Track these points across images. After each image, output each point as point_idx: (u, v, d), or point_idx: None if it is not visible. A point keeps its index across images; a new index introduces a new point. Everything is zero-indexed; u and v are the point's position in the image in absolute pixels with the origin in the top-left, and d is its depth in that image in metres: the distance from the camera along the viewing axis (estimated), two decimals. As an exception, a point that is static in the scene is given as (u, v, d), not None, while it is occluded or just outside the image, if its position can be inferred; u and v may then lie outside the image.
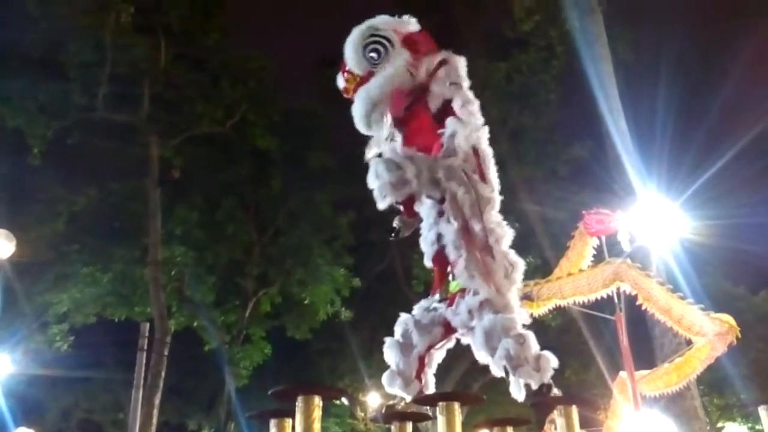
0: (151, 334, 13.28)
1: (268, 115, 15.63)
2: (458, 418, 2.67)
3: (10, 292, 13.95)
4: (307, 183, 16.13)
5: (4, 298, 12.83)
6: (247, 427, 16.33)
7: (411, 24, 3.94)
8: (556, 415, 2.97)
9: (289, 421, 2.88)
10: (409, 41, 3.82)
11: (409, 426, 2.96)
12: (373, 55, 3.77)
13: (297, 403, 2.63)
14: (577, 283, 7.20)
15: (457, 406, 2.69)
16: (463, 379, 15.48)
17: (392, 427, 2.95)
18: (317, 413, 2.60)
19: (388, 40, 3.75)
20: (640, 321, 9.93)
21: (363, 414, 16.45)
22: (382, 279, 17.71)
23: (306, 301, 16.00)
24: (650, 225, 8.08)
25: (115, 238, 15.06)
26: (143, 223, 14.22)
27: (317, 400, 2.63)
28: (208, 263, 15.39)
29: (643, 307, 7.06)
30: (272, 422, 2.95)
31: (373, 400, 16.10)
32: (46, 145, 13.39)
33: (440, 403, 2.73)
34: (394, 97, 3.72)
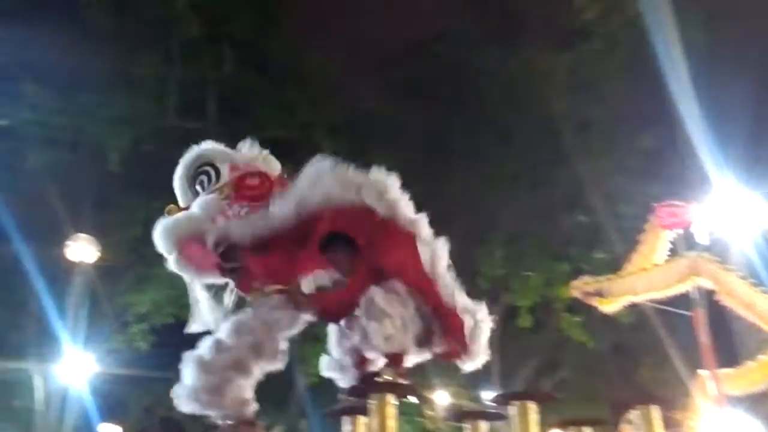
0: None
1: (332, 118, 15.86)
2: (533, 418, 2.64)
3: (94, 295, 14.76)
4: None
5: (89, 300, 13.60)
6: (319, 425, 16.64)
7: (259, 161, 3.39)
8: (634, 415, 2.89)
9: (363, 419, 2.92)
10: (241, 184, 3.22)
11: (484, 425, 2.95)
12: (198, 188, 3.25)
13: (370, 401, 2.67)
14: (650, 278, 6.98)
15: (531, 405, 2.66)
16: (535, 378, 15.24)
17: (467, 427, 2.95)
18: (391, 411, 2.63)
19: (217, 172, 3.25)
20: (716, 316, 9.50)
21: (431, 412, 16.42)
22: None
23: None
24: (729, 216, 7.71)
25: (189, 241, 15.63)
26: (215, 226, 14.70)
27: (391, 398, 2.66)
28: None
29: (723, 303, 6.75)
30: (345, 420, 3.00)
31: (439, 398, 16.04)
32: (124, 153, 14.05)
33: (514, 402, 2.70)
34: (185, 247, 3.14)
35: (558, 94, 15.17)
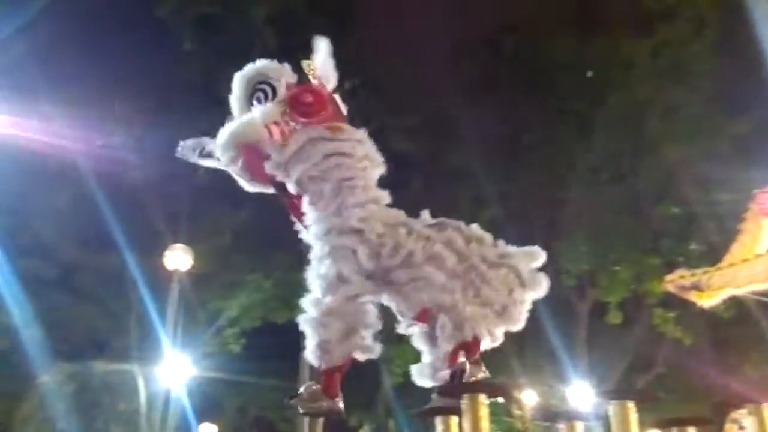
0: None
1: (406, 119, 15.94)
2: (633, 417, 2.56)
3: (189, 301, 15.54)
4: (446, 182, 16.21)
5: (183, 306, 14.32)
6: (406, 425, 16.76)
7: (317, 79, 3.39)
8: (741, 414, 2.74)
9: (454, 419, 2.92)
10: (295, 100, 3.25)
11: (579, 426, 2.88)
12: (255, 103, 3.30)
13: (463, 401, 2.67)
14: (753, 269, 6.57)
15: (630, 404, 2.58)
16: (626, 376, 14.69)
17: (561, 428, 2.90)
18: (484, 411, 2.63)
19: (273, 90, 3.29)
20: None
21: (520, 412, 16.16)
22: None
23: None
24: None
25: (274, 247, 16.19)
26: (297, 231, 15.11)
27: (483, 398, 2.65)
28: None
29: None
30: (438, 419, 3.00)
31: (528, 398, 15.76)
32: (211, 167, 14.69)
33: (612, 402, 2.63)
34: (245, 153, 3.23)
35: (640, 80, 14.55)
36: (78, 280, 14.81)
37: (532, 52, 16.09)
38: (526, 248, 3.21)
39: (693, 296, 8.48)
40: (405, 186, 16.63)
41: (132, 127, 14.10)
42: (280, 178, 3.20)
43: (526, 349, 17.02)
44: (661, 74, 14.93)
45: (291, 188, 3.23)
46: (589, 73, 15.21)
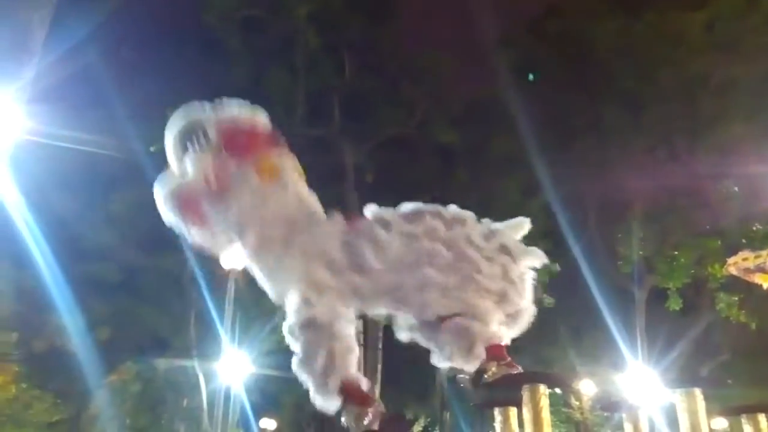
0: (364, 329, 14.20)
1: (449, 110, 15.85)
2: (701, 405, 2.48)
3: (243, 300, 15.89)
4: (494, 171, 16.03)
5: (240, 305, 14.66)
6: (462, 417, 16.75)
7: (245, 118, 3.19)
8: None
9: (513, 410, 2.91)
10: (229, 140, 3.03)
11: (641, 415, 2.82)
12: (189, 148, 3.05)
13: (523, 392, 2.64)
14: (821, 248, 6.23)
15: (697, 392, 2.50)
16: (689, 364, 14.25)
17: (623, 417, 2.84)
18: (544, 402, 2.60)
19: (205, 134, 3.04)
20: None
21: (578, 402, 15.90)
22: (583, 261, 16.96)
23: (507, 290, 15.91)
24: None
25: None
26: (347, 226, 15.25)
27: (543, 389, 2.62)
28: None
29: None
30: (496, 411, 2.99)
31: (586, 388, 15.48)
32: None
33: (678, 390, 2.55)
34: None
35: (693, 55, 14.00)
36: (140, 282, 15.35)
37: (577, 34, 15.71)
38: (512, 220, 3.09)
39: (758, 278, 8.18)
40: (451, 177, 16.57)
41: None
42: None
43: (584, 339, 16.71)
44: (715, 49, 14.32)
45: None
46: (638, 51, 14.71)
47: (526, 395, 2.55)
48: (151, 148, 14.17)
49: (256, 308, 16.98)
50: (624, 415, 2.73)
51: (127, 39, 13.62)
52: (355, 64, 15.69)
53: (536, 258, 2.99)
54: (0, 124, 6.98)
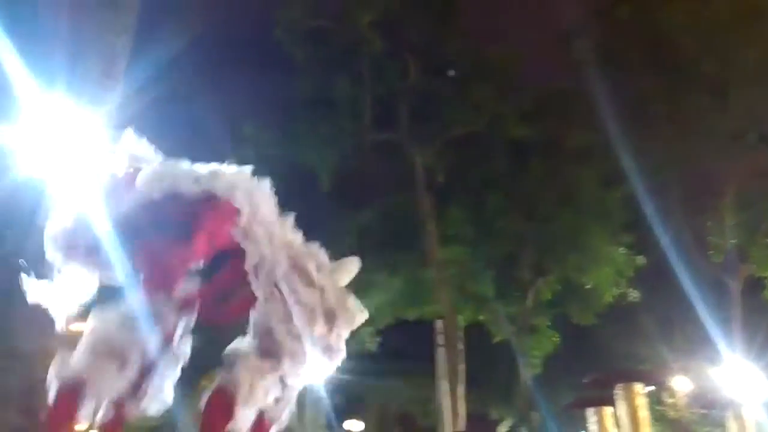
0: (444, 330, 14.11)
1: (520, 104, 15.55)
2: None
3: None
4: (571, 164, 15.59)
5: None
6: (550, 418, 16.31)
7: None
8: None
9: (608, 410, 2.80)
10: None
11: (743, 410, 2.66)
12: None
13: (617, 391, 2.55)
14: None
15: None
16: None
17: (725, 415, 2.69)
18: (641, 401, 2.50)
19: None
20: None
21: (672, 400, 15.18)
22: (670, 252, 16.20)
23: (588, 286, 15.44)
24: None
25: (398, 245, 16.46)
26: (420, 229, 15.25)
27: (638, 387, 2.52)
28: (484, 258, 15.83)
29: None
30: (589, 411, 2.89)
31: (680, 385, 14.76)
32: (332, 173, 15.23)
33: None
34: None
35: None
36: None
37: (650, 17, 15.04)
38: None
39: None
40: (525, 172, 16.23)
41: (259, 144, 14.88)
42: None
43: (675, 333, 15.95)
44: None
45: None
46: (716, 30, 13.91)
47: (620, 394, 2.46)
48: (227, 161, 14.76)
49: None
50: (727, 412, 2.59)
51: (201, 63, 14.21)
52: (419, 66, 15.67)
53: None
54: (90, 149, 7.38)
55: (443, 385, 13.05)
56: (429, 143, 15.72)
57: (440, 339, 14.01)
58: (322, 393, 14.71)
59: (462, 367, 13.87)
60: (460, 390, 13.57)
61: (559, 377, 19.07)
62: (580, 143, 15.45)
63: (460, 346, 14.03)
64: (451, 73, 15.99)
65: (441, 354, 13.66)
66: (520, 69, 16.07)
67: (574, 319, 16.18)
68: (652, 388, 12.04)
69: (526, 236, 16.18)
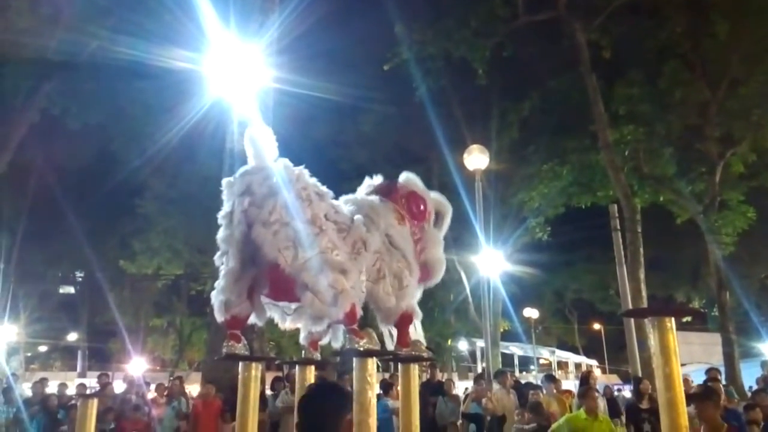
0: (620, 215, 13.57)
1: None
2: None
3: (491, 198, 16.33)
4: (760, 18, 13.50)
5: (485, 205, 15.15)
6: (745, 298, 15.33)
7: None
8: None
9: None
10: None
11: None
12: None
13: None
14: None
15: None
16: None
17: None
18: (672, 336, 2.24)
19: None
20: None
21: None
22: None
23: (788, 152, 13.76)
24: None
25: (564, 132, 15.83)
26: (587, 112, 14.44)
27: (670, 321, 2.27)
28: (661, 135, 14.69)
29: None
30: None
31: None
32: (487, 64, 14.78)
33: None
34: None
35: None
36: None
37: None
38: None
39: None
40: (705, 36, 14.41)
41: (411, 44, 14.83)
42: None
43: None
44: None
45: None
46: None
47: (654, 326, 2.25)
48: (384, 67, 14.94)
49: (503, 205, 17.39)
50: None
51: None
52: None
53: None
54: (250, 72, 8.04)
55: (622, 271, 12.71)
56: (591, 16, 14.44)
57: (616, 224, 13.51)
58: (496, 283, 15.12)
59: (641, 251, 13.33)
60: (641, 274, 13.14)
61: (757, 253, 17.61)
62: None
63: (638, 229, 13.41)
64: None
65: (617, 239, 13.22)
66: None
67: (775, 189, 14.66)
68: None
69: (712, 105, 14.62)
